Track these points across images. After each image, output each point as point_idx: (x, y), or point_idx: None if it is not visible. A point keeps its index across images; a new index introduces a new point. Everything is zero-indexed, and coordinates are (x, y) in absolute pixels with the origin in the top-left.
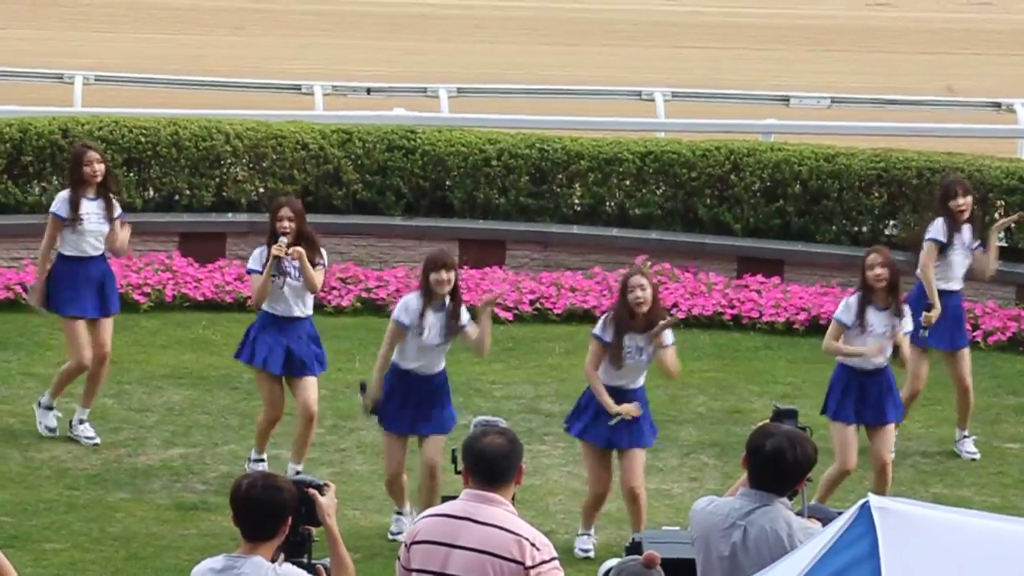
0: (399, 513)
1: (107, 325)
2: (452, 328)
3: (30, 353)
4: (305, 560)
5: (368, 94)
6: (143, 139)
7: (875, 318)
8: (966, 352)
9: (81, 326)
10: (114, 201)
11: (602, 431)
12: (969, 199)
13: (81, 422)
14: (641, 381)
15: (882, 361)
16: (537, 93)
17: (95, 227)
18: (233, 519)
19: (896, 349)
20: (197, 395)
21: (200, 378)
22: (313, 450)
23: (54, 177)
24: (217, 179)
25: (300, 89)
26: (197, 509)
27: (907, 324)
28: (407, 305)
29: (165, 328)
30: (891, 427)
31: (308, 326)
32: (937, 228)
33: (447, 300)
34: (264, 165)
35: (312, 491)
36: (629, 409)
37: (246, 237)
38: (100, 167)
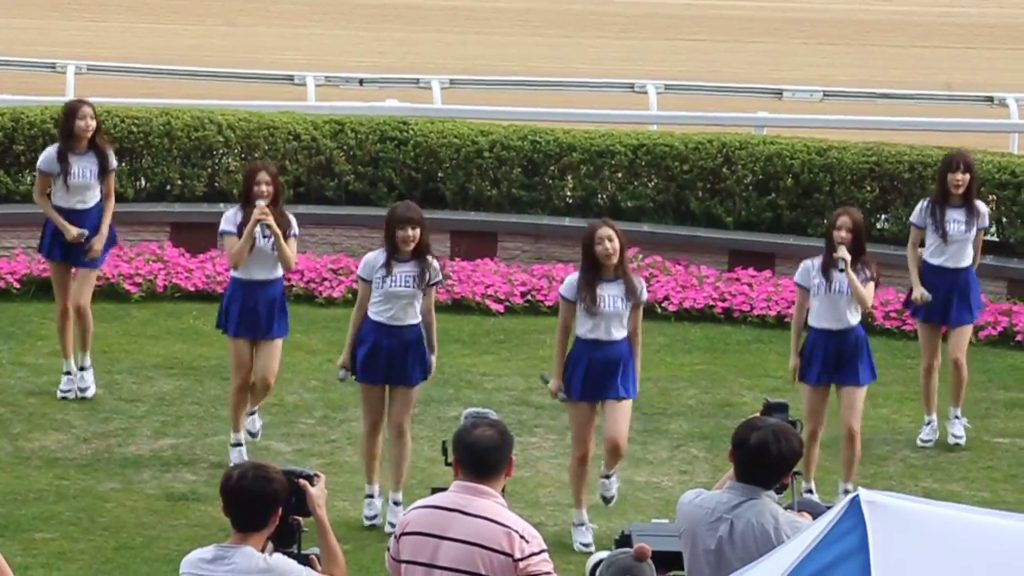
0: (370, 496)
1: (84, 276)
2: (422, 278)
3: (21, 343)
4: (295, 550)
5: (360, 85)
6: (135, 129)
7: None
8: (967, 329)
9: (62, 269)
10: (108, 153)
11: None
12: (966, 176)
13: (82, 368)
14: (619, 334)
15: (851, 321)
16: (530, 85)
17: (82, 182)
18: (223, 509)
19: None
20: (188, 385)
21: (191, 368)
22: (303, 440)
23: None
24: (209, 169)
25: (292, 80)
26: (187, 499)
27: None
28: (367, 262)
29: (156, 318)
30: (860, 390)
31: (279, 289)
32: (915, 211)
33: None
34: (256, 156)
35: (302, 481)
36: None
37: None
38: (92, 122)
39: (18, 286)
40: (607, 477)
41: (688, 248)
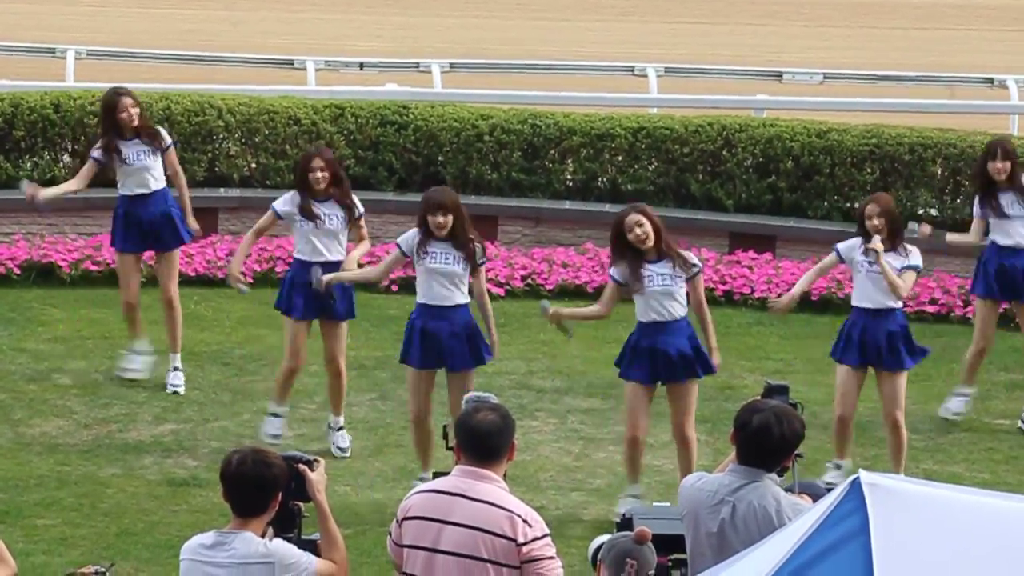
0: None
1: (167, 260)
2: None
3: (22, 328)
4: (295, 535)
5: (361, 69)
6: None
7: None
8: None
9: (129, 261)
10: (161, 132)
11: (641, 367)
12: (1007, 164)
13: (175, 369)
14: (678, 312)
15: (892, 303)
16: (529, 68)
17: (139, 165)
18: (223, 495)
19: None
20: (188, 371)
21: (191, 354)
22: (304, 426)
23: (46, 152)
24: (209, 154)
25: (293, 64)
26: (188, 485)
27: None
28: (407, 238)
29: (157, 304)
30: (900, 376)
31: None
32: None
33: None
34: (256, 140)
35: (302, 467)
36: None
37: (238, 212)
38: (136, 111)
39: (18, 272)
40: None
41: (688, 231)
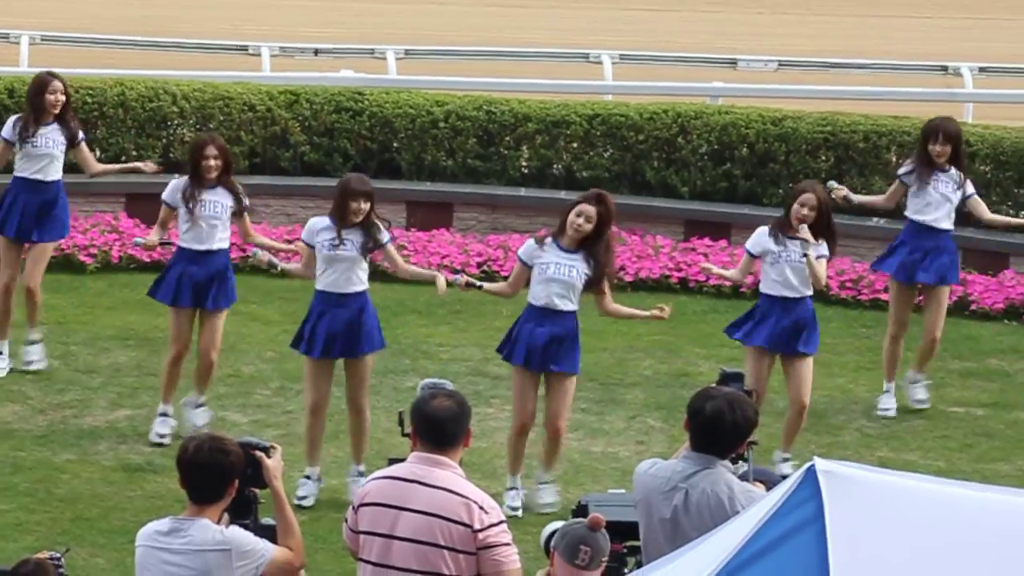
0: (307, 477)
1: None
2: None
3: None
4: (250, 522)
5: (315, 55)
6: (89, 99)
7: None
8: (945, 291)
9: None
10: (72, 125)
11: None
12: (947, 147)
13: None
14: (564, 306)
15: (807, 291)
16: (485, 55)
17: (46, 151)
18: (180, 482)
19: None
20: (143, 356)
21: (146, 339)
22: (259, 412)
23: None
24: (164, 140)
25: (247, 50)
26: (143, 471)
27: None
28: (311, 227)
29: (111, 289)
30: (806, 361)
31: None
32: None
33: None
34: (211, 126)
35: (259, 453)
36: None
37: None
38: (62, 97)
39: None
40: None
41: (643, 218)
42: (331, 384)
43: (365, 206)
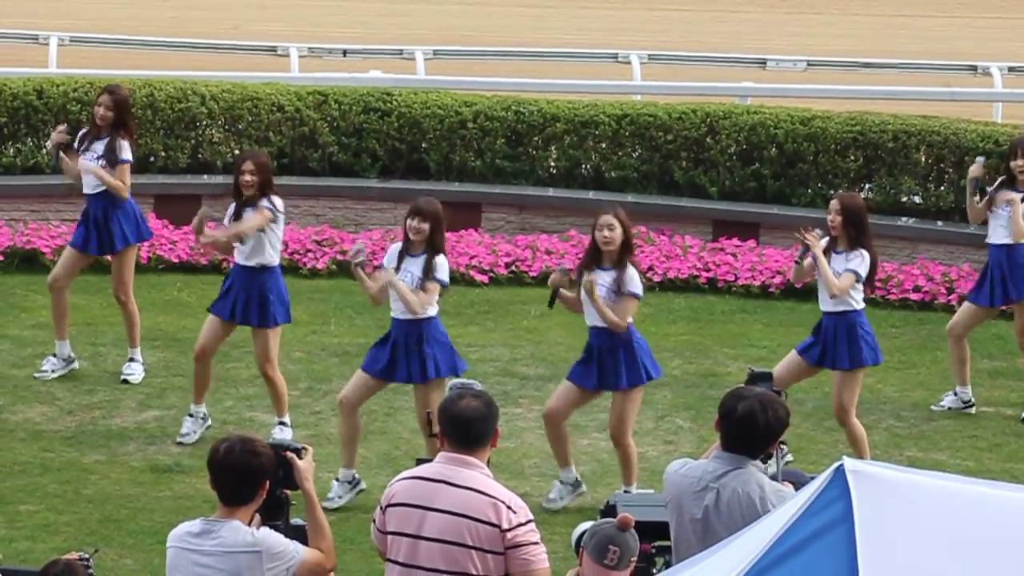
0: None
1: (114, 264)
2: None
3: (4, 314)
4: (281, 524)
5: (344, 56)
6: None
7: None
8: None
9: (69, 254)
10: (121, 144)
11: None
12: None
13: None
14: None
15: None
16: (513, 55)
17: (87, 164)
18: (211, 483)
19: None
20: (172, 357)
21: (174, 340)
22: (291, 413)
23: (28, 138)
24: (192, 141)
25: (276, 51)
26: (171, 472)
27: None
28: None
29: (139, 290)
30: (844, 375)
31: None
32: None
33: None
34: (240, 127)
35: (290, 455)
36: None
37: (221, 199)
38: (106, 112)
39: (1, 258)
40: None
41: (672, 218)
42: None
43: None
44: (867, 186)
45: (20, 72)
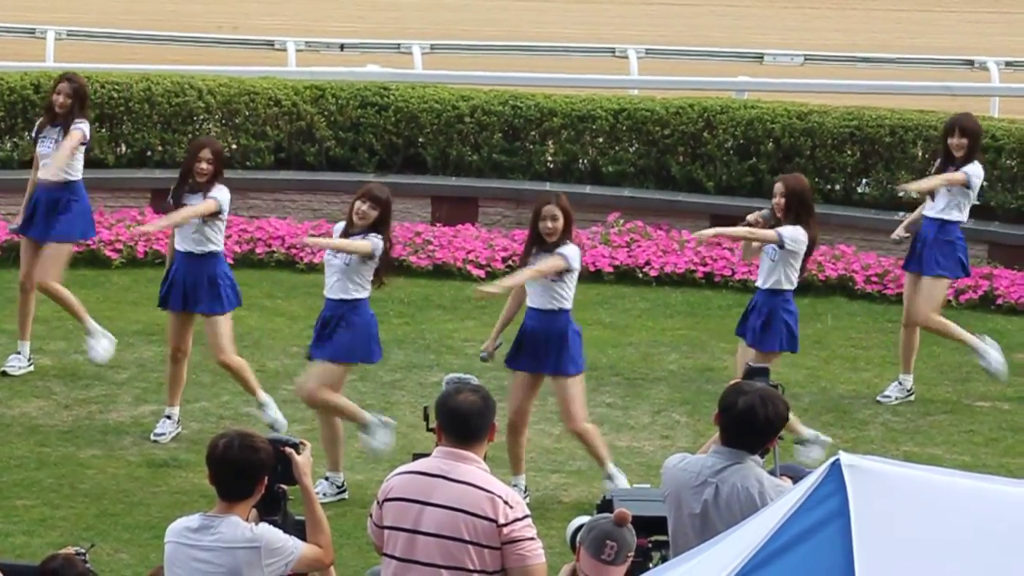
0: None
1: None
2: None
3: (1, 309)
4: (279, 519)
5: (341, 50)
6: (115, 95)
7: None
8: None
9: (23, 244)
10: (73, 129)
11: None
12: (964, 140)
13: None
14: (536, 302)
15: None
16: (510, 50)
17: (45, 151)
18: (209, 478)
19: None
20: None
21: None
22: (285, 407)
23: (25, 132)
24: (189, 135)
25: (273, 45)
26: (168, 466)
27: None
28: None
29: (137, 285)
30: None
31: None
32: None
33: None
34: (237, 121)
35: (288, 450)
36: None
37: None
38: (65, 99)
39: None
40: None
41: (669, 213)
42: None
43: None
44: (864, 180)
45: (17, 66)
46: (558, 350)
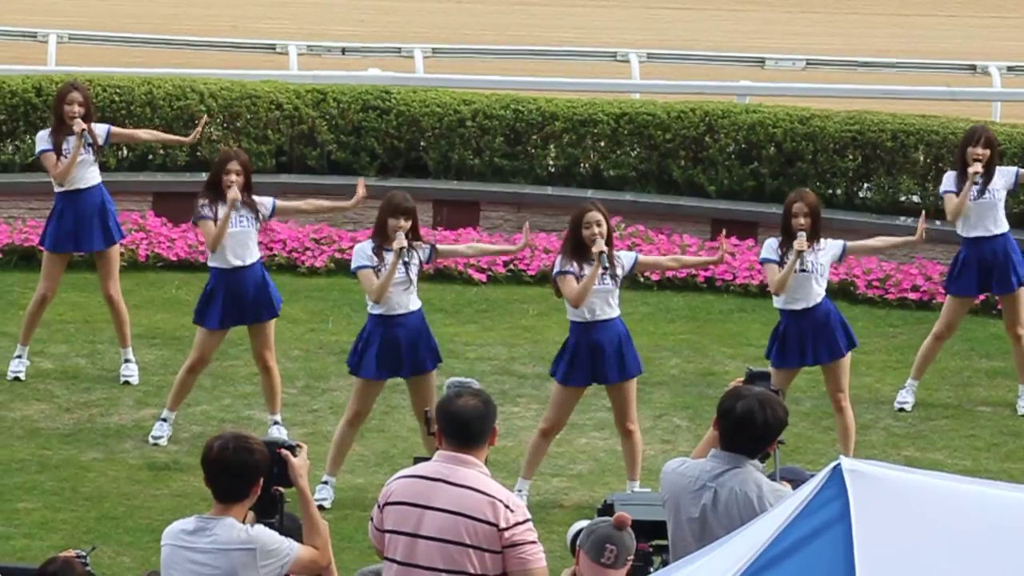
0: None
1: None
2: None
3: (2, 312)
4: (276, 521)
5: (343, 54)
6: (117, 98)
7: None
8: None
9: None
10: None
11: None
12: (987, 151)
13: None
14: (610, 313)
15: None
16: (512, 54)
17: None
18: (205, 480)
19: None
20: (169, 355)
21: (173, 338)
22: (285, 410)
23: (27, 136)
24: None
25: (275, 49)
26: (169, 469)
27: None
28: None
29: (138, 288)
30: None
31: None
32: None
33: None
34: (238, 125)
35: (284, 452)
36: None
37: None
38: (78, 109)
39: None
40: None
41: (671, 217)
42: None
43: (405, 224)
44: (865, 185)
45: (19, 69)
46: (624, 354)
